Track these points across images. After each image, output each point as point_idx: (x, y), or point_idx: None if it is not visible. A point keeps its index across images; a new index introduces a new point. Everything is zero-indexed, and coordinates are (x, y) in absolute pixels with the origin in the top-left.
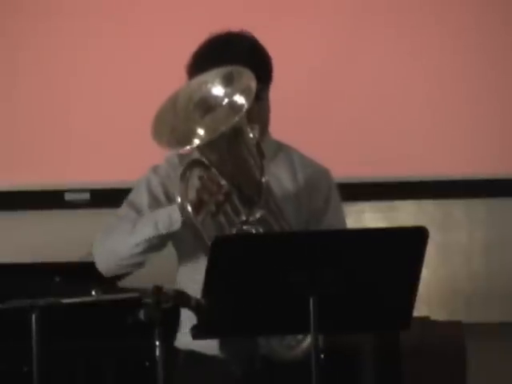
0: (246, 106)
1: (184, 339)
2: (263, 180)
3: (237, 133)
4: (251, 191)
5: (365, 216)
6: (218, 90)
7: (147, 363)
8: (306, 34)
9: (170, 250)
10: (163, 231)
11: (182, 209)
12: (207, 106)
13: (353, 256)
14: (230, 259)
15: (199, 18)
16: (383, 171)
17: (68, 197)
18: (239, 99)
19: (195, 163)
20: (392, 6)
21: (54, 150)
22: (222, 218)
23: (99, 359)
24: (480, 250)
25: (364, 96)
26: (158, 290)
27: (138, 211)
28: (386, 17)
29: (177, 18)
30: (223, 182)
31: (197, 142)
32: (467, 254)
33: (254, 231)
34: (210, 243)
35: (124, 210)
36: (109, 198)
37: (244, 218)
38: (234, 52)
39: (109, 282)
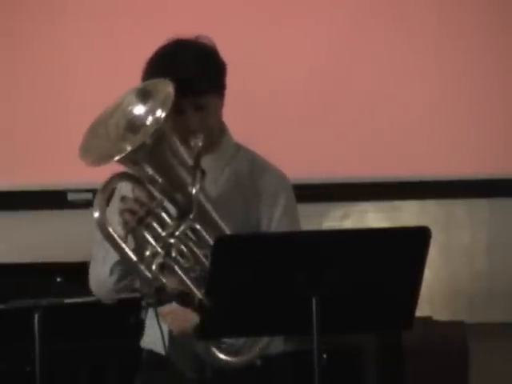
0: (162, 116)
1: (146, 338)
2: (194, 191)
3: (159, 143)
4: (184, 200)
5: (367, 216)
6: (139, 109)
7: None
8: (306, 34)
9: None
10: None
11: (99, 224)
12: (135, 126)
13: (355, 256)
14: (233, 259)
15: (203, 18)
16: (386, 171)
17: (70, 197)
18: (159, 112)
19: (121, 176)
20: (393, 6)
21: (56, 150)
22: (146, 233)
23: (101, 359)
24: (482, 250)
25: (366, 96)
26: (160, 290)
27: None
28: (387, 17)
29: (178, 19)
30: (150, 194)
31: (117, 156)
32: (470, 254)
33: (181, 246)
34: (135, 258)
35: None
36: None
37: (171, 230)
38: (175, 62)
39: None
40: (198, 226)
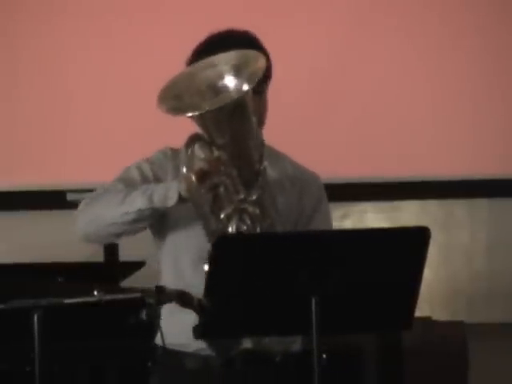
0: (250, 85)
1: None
2: (262, 166)
3: (239, 111)
4: (249, 174)
5: (367, 216)
6: (229, 77)
7: (149, 364)
8: (307, 34)
9: None
10: (157, 204)
11: (186, 180)
12: (217, 90)
13: (355, 256)
14: (232, 259)
15: (200, 18)
16: (386, 171)
17: (70, 197)
18: (245, 85)
19: (198, 138)
20: (394, 7)
21: (55, 150)
22: (221, 194)
23: (101, 359)
24: (482, 250)
25: (367, 96)
26: (160, 290)
27: (128, 185)
28: (388, 17)
29: (177, 19)
30: (225, 157)
31: (193, 112)
32: (469, 254)
33: (250, 210)
34: (212, 217)
35: (113, 183)
36: None
37: (242, 196)
38: (233, 46)
39: (111, 283)
40: (264, 197)
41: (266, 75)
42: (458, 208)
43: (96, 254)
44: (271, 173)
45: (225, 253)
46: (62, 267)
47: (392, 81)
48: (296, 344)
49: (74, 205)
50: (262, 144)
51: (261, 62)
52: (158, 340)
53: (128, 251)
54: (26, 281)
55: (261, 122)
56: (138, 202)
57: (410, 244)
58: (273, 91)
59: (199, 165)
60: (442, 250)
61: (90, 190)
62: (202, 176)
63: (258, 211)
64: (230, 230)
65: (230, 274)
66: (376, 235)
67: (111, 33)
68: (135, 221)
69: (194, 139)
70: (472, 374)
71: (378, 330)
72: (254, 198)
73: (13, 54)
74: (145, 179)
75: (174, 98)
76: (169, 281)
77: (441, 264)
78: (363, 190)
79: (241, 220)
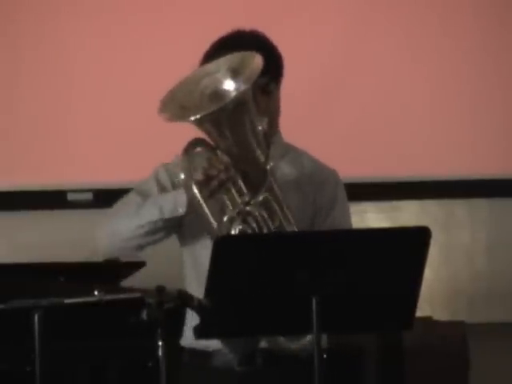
0: (246, 86)
1: (188, 335)
2: (268, 167)
3: (240, 112)
4: (255, 176)
5: (367, 216)
6: (227, 82)
7: (150, 363)
8: (307, 34)
9: (171, 250)
10: (167, 215)
11: (187, 185)
12: (218, 95)
13: (355, 256)
14: (233, 259)
15: (203, 18)
16: (386, 171)
17: (71, 197)
18: (244, 82)
19: (200, 142)
20: (393, 7)
21: (56, 150)
22: (225, 199)
23: (101, 359)
24: (482, 250)
25: (367, 96)
26: (160, 290)
27: (145, 197)
28: (387, 18)
29: (179, 19)
30: (228, 161)
31: (195, 116)
32: (470, 254)
33: (256, 212)
34: (215, 222)
35: (130, 196)
36: (111, 198)
37: (247, 199)
38: (244, 46)
39: (111, 283)
40: (270, 199)
41: (275, 75)
42: (458, 208)
43: (96, 254)
44: (287, 170)
45: (225, 253)
46: (62, 267)
47: (392, 81)
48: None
49: (74, 205)
50: (268, 144)
51: (257, 61)
52: (183, 341)
53: None
54: (27, 281)
55: (273, 123)
56: (150, 214)
57: (411, 244)
58: None
59: (199, 170)
60: (442, 250)
61: (90, 190)
62: (202, 181)
63: (264, 213)
64: (232, 233)
65: (230, 274)
66: (376, 235)
67: (112, 33)
68: (149, 233)
69: (193, 144)
70: (472, 373)
71: (378, 330)
72: (261, 199)
73: (13, 54)
74: (162, 189)
75: (175, 106)
76: (192, 288)
77: (441, 264)
78: (363, 190)
79: (245, 223)
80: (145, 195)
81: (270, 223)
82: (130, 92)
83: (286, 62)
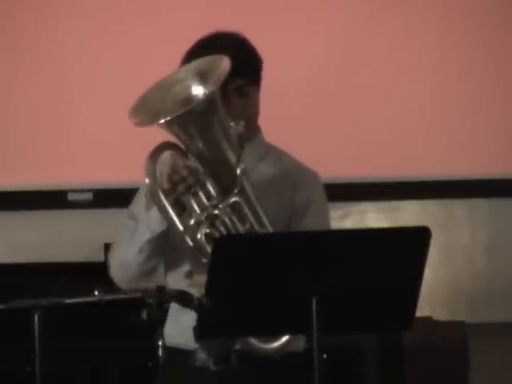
0: (214, 87)
1: (168, 332)
2: (239, 169)
3: (209, 115)
4: (227, 178)
5: (367, 216)
6: (196, 86)
7: (150, 363)
8: (306, 34)
9: None
10: (158, 230)
11: (151, 191)
12: (188, 101)
13: (355, 256)
14: (233, 259)
15: (200, 18)
16: (386, 171)
17: (71, 197)
18: (212, 82)
19: (168, 145)
20: (392, 7)
21: (56, 150)
22: (192, 203)
23: (101, 359)
24: (482, 250)
25: (366, 96)
26: (160, 290)
27: (137, 219)
28: (386, 17)
29: (178, 19)
30: (196, 165)
31: (164, 118)
32: (469, 254)
33: (225, 218)
34: (181, 226)
35: (125, 220)
36: (112, 197)
37: (215, 202)
38: (221, 48)
39: (111, 283)
40: (241, 202)
41: (253, 77)
42: (458, 208)
43: (96, 254)
44: (266, 170)
45: (225, 252)
46: (62, 267)
47: (392, 81)
48: (298, 344)
49: (74, 205)
50: (241, 146)
51: (225, 63)
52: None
53: None
54: (26, 281)
55: (251, 125)
56: (142, 236)
57: (411, 244)
58: (273, 91)
59: (164, 175)
60: (442, 250)
61: (90, 190)
62: (167, 187)
63: (233, 216)
64: (198, 236)
65: (230, 274)
66: (376, 235)
67: (112, 33)
68: (152, 254)
69: (161, 148)
70: (473, 373)
71: (378, 330)
72: (230, 202)
73: (13, 54)
74: (149, 205)
75: (146, 112)
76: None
77: (441, 264)
78: (363, 190)
79: (213, 226)
80: (135, 217)
81: (239, 226)
82: (130, 92)
83: (285, 62)
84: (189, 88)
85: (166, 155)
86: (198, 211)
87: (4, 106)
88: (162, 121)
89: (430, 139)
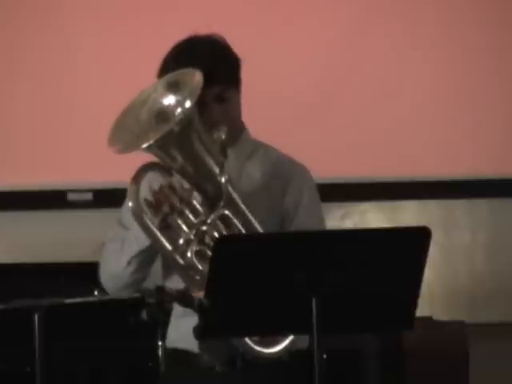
0: (190, 103)
1: (171, 336)
2: (223, 179)
3: (187, 132)
4: (212, 190)
5: (368, 216)
6: (168, 100)
7: (150, 363)
8: (307, 34)
9: None
10: (146, 243)
11: (135, 214)
12: (165, 117)
13: (355, 256)
14: (233, 259)
15: (202, 18)
16: (386, 171)
17: (71, 197)
18: (187, 99)
19: (150, 166)
20: (392, 7)
21: (56, 150)
22: (179, 222)
23: (102, 359)
24: (482, 250)
25: (366, 96)
26: (160, 290)
27: (126, 228)
28: (386, 17)
29: (179, 19)
30: (181, 182)
31: (145, 144)
32: (470, 254)
33: (214, 233)
34: (170, 247)
35: (115, 229)
36: (111, 198)
37: (203, 218)
38: (195, 55)
39: None
40: (229, 214)
41: (231, 80)
42: (458, 208)
43: (96, 254)
44: (255, 169)
45: (225, 253)
46: (61, 267)
47: (392, 80)
48: (302, 342)
49: (74, 205)
50: (224, 155)
51: (197, 78)
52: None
53: None
54: (26, 281)
55: (234, 125)
56: (131, 248)
57: (411, 244)
58: (273, 91)
59: (146, 198)
60: (442, 250)
61: (90, 190)
62: (154, 210)
63: (223, 230)
64: (189, 255)
65: (230, 274)
66: (376, 235)
67: (113, 33)
68: (140, 265)
69: (143, 170)
70: (473, 373)
71: (378, 330)
72: (219, 215)
73: (13, 54)
74: None
75: (123, 138)
76: None
77: (441, 264)
78: (363, 190)
79: (202, 243)
80: (125, 225)
81: None
82: (131, 92)
83: (285, 62)
84: (161, 101)
85: (149, 176)
86: (186, 230)
87: (4, 105)
88: (144, 146)
89: (430, 139)
